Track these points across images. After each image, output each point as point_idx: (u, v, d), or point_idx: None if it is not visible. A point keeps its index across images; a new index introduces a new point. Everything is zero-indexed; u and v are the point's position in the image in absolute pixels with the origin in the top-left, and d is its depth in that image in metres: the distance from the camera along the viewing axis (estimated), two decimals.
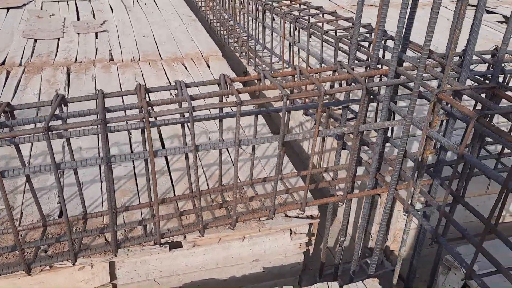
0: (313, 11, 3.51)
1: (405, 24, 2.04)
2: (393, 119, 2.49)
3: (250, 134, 3.46)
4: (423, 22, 2.26)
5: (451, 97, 2.07)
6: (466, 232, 1.95)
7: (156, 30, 5.73)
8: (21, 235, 2.35)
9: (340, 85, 2.33)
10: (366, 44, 2.78)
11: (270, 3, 3.93)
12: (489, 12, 7.33)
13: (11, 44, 5.05)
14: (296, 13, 3.52)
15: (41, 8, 6.38)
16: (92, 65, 4.58)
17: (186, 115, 1.93)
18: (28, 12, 6.09)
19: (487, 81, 2.24)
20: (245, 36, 4.70)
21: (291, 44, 3.54)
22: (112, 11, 6.45)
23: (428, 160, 2.39)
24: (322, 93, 1.92)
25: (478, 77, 2.18)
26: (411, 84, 2.12)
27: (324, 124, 2.68)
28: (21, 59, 4.64)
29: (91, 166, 1.79)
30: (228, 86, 1.96)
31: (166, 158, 3.14)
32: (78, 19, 6.06)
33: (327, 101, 2.58)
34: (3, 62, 4.57)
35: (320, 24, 3.24)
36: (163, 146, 3.31)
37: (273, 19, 3.76)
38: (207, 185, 2.87)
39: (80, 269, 2.31)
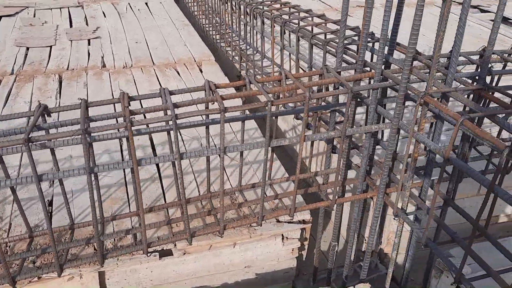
0: (303, 14, 3.49)
1: (390, 26, 2.03)
2: (383, 121, 2.48)
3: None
4: (423, 24, 2.24)
5: (439, 99, 2.06)
6: (455, 235, 1.94)
7: (149, 35, 5.73)
8: (9, 246, 2.34)
9: (328, 89, 2.31)
10: (355, 47, 2.77)
11: (261, 7, 3.92)
12: (482, 11, 7.33)
13: (3, 52, 5.04)
14: (286, 16, 3.51)
15: (34, 16, 6.37)
16: (84, 72, 4.57)
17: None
18: (21, 20, 6.08)
19: (476, 83, 2.23)
20: (237, 40, 4.69)
21: (281, 48, 3.53)
22: (105, 17, 6.44)
23: (419, 162, 2.38)
24: (307, 98, 1.91)
25: (466, 79, 2.17)
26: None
27: (313, 128, 2.67)
28: (13, 67, 4.63)
29: (73, 176, 1.77)
30: (213, 92, 1.95)
31: (157, 164, 3.13)
32: (71, 26, 6.06)
33: (315, 105, 2.57)
34: None
35: (310, 28, 3.23)
36: (155, 152, 3.30)
37: (263, 23, 3.75)
38: (198, 191, 2.86)
39: (69, 279, 2.29)
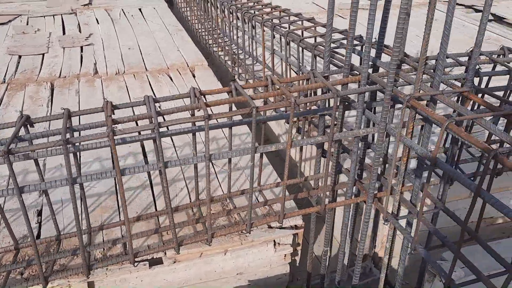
0: (293, 18, 3.48)
1: (373, 28, 2.01)
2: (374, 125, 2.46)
3: (234, 144, 3.42)
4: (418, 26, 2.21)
5: (428, 102, 2.04)
6: (445, 239, 1.91)
7: (142, 41, 5.71)
8: None
9: (315, 93, 2.29)
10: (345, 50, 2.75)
11: (252, 11, 3.90)
12: (477, 11, 7.31)
13: None
14: (276, 20, 3.50)
15: (27, 24, 6.36)
16: (76, 80, 4.55)
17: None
18: (14, 28, 6.07)
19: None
20: (228, 45, 4.68)
21: (272, 52, 3.52)
22: (98, 24, 6.43)
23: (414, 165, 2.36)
24: (293, 104, 1.89)
25: (454, 81, 2.15)
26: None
27: (303, 132, 2.65)
28: (5, 76, 4.61)
29: (56, 187, 1.75)
30: (197, 99, 1.93)
31: (148, 172, 3.10)
32: (64, 33, 6.04)
33: (302, 109, 2.55)
34: None
35: (299, 31, 3.21)
36: (146, 159, 3.27)
37: (254, 27, 3.74)
38: (189, 198, 2.83)
39: None
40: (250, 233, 2.32)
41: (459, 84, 2.27)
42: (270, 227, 2.61)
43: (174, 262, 2.45)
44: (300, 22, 3.39)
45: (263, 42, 3.52)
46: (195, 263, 2.50)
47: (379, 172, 2.52)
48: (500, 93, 2.39)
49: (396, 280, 2.55)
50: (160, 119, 1.98)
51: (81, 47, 5.45)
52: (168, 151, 3.36)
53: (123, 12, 6.99)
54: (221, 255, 2.53)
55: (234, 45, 4.50)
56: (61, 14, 6.83)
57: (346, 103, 2.25)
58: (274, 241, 2.63)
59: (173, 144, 3.42)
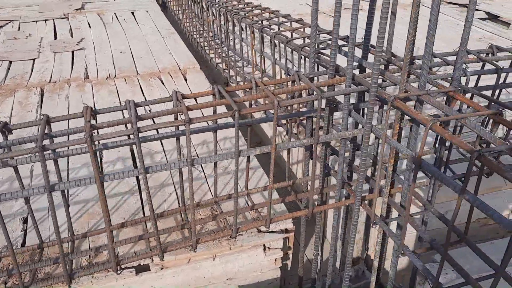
0: (281, 19, 3.45)
1: (357, 28, 1.98)
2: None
3: (225, 148, 3.39)
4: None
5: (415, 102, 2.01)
6: (433, 242, 1.88)
7: (134, 45, 5.68)
8: None
9: (301, 95, 2.26)
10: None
11: (242, 13, 3.87)
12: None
13: None
14: (265, 22, 3.47)
15: (19, 29, 6.33)
16: (67, 85, 4.52)
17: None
18: (5, 34, 6.04)
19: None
20: (219, 48, 4.65)
21: (261, 54, 3.49)
22: (90, 28, 6.39)
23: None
24: (276, 106, 1.85)
25: (440, 81, 2.11)
26: None
27: (290, 134, 2.62)
28: None
29: (33, 195, 1.71)
30: (179, 103, 1.89)
31: (137, 177, 3.06)
32: (56, 38, 6.01)
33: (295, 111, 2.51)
34: None
35: (287, 33, 3.18)
36: (135, 164, 3.24)
37: (242, 29, 3.71)
38: (178, 203, 2.79)
39: None
40: (236, 238, 2.28)
41: (448, 84, 2.24)
42: (259, 231, 2.58)
43: (162, 268, 2.41)
44: (289, 24, 3.36)
45: (252, 44, 3.49)
46: (183, 269, 2.46)
47: (368, 174, 2.49)
48: (489, 93, 2.36)
49: (388, 283, 2.52)
50: (145, 123, 1.96)
51: (73, 52, 5.42)
52: (158, 156, 3.33)
53: (116, 16, 6.96)
54: (210, 260, 2.50)
55: (225, 47, 4.47)
56: (53, 19, 6.79)
57: (334, 105, 2.22)
58: (264, 245, 2.59)
59: (163, 149, 3.38)
